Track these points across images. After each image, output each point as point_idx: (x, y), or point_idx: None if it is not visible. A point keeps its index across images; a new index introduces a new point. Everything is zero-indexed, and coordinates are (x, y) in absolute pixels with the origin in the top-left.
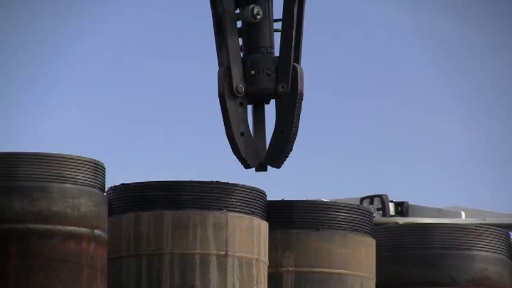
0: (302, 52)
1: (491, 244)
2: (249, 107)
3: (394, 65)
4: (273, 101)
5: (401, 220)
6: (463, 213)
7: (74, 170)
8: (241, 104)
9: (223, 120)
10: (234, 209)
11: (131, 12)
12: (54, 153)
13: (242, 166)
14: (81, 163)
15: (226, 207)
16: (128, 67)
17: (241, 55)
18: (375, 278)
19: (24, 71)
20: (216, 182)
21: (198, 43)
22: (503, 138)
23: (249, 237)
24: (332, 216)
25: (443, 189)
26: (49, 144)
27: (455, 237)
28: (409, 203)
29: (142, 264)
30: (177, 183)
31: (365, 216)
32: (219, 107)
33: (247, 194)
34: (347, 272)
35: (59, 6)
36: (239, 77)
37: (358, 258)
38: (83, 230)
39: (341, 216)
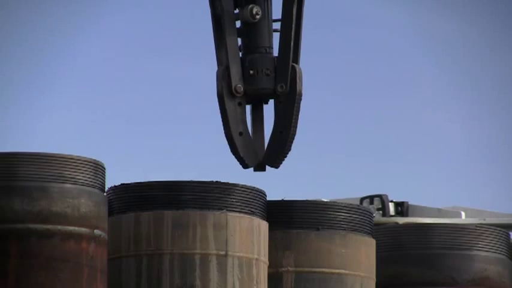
0: (301, 52)
1: (491, 244)
2: (248, 107)
3: (394, 65)
4: (271, 101)
5: (401, 220)
6: (463, 213)
7: (74, 170)
8: (239, 103)
9: (222, 120)
10: (234, 209)
11: (131, 12)
12: (54, 153)
13: (241, 166)
14: (81, 163)
15: (226, 207)
16: (128, 67)
17: (240, 55)
18: (375, 278)
19: (24, 70)
20: (216, 182)
21: (197, 43)
22: (503, 138)
23: (249, 237)
24: (332, 216)
25: (443, 189)
26: (49, 144)
27: (455, 237)
28: (409, 203)
29: (142, 264)
30: (177, 183)
31: (365, 216)
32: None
33: (247, 194)
34: (347, 272)
35: (59, 6)
36: (238, 76)
37: (358, 258)
38: (83, 230)
39: (341, 216)
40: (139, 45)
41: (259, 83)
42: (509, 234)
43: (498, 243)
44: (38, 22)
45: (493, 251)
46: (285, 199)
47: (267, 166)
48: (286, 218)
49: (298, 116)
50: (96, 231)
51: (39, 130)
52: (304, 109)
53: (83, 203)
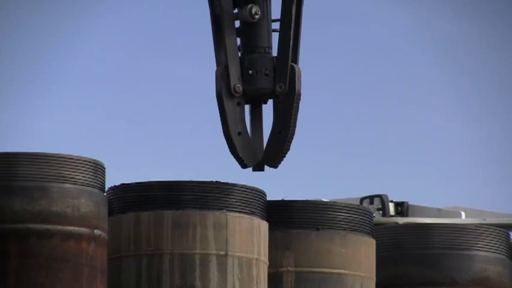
0: (300, 52)
1: (491, 244)
2: (247, 107)
3: (394, 64)
4: (270, 101)
5: (401, 220)
6: (463, 213)
7: (73, 170)
8: (238, 103)
9: (221, 120)
10: (233, 209)
11: (131, 12)
12: (54, 153)
13: (239, 166)
14: (81, 163)
15: (226, 207)
16: (127, 67)
17: (239, 55)
18: (375, 278)
19: (23, 70)
20: (216, 182)
21: (197, 43)
22: (503, 138)
23: (249, 237)
24: (332, 216)
25: (443, 189)
26: (49, 144)
27: (455, 237)
28: (409, 203)
29: (142, 264)
30: (177, 183)
31: (365, 216)
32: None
33: (247, 194)
34: (347, 272)
35: (59, 6)
36: (237, 76)
37: (358, 258)
38: (83, 230)
39: (341, 216)
40: (139, 45)
41: (258, 82)
42: (509, 234)
43: (498, 243)
44: (38, 22)
45: (493, 251)
46: (285, 199)
47: (265, 166)
48: (286, 218)
49: (297, 116)
50: (96, 231)
51: (39, 130)
52: (304, 109)
53: (83, 203)
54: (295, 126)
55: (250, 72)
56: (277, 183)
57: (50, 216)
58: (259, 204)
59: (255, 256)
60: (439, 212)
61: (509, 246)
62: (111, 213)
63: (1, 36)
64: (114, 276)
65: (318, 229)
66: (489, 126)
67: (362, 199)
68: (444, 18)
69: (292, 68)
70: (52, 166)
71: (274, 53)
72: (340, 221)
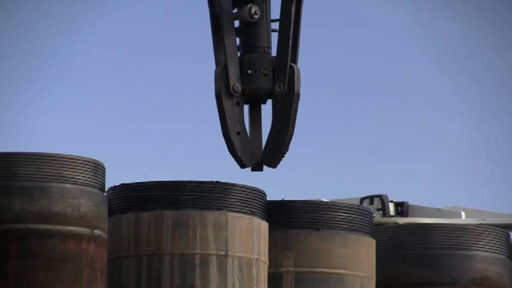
0: (299, 52)
1: (491, 244)
2: (246, 107)
3: (394, 64)
4: (269, 101)
5: (401, 220)
6: (463, 213)
7: (73, 170)
8: (237, 103)
9: (220, 120)
10: (233, 209)
11: (131, 12)
12: (54, 153)
13: (238, 166)
14: (81, 163)
15: (226, 207)
16: (127, 67)
17: (239, 54)
18: (374, 278)
19: (23, 70)
20: (216, 182)
21: (197, 43)
22: (503, 137)
23: (249, 237)
24: (332, 216)
25: (443, 189)
26: (49, 144)
27: (454, 237)
28: (409, 203)
29: (142, 264)
30: (177, 183)
31: (365, 216)
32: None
33: (247, 194)
34: (347, 272)
35: (59, 6)
36: (236, 76)
37: (358, 258)
38: (83, 230)
39: (341, 216)
40: (139, 45)
41: (258, 82)
42: (509, 234)
43: (498, 243)
44: (38, 22)
45: (493, 251)
46: (285, 199)
47: (264, 166)
48: (286, 218)
49: (296, 116)
50: (96, 231)
51: (39, 130)
52: (303, 109)
53: (83, 203)
54: (294, 126)
55: (249, 72)
56: (277, 183)
57: (50, 216)
58: (259, 204)
59: (255, 256)
60: (439, 212)
61: (509, 246)
62: (111, 213)
63: (1, 36)
64: (114, 276)
65: (318, 229)
66: (489, 126)
67: (362, 199)
68: (444, 18)
69: (292, 68)
70: (52, 166)
71: (274, 52)
72: (340, 221)
